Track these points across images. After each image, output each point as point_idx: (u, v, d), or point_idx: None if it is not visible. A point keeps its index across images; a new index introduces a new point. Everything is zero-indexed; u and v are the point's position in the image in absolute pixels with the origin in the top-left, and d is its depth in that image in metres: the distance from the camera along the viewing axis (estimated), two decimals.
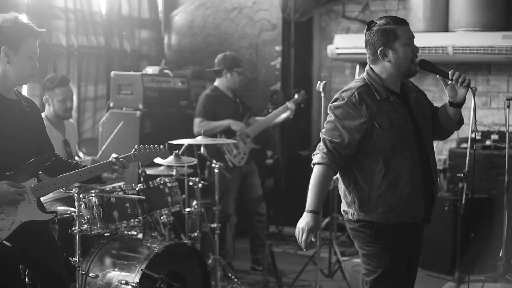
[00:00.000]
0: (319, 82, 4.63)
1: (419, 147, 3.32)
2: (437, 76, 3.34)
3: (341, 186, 3.45)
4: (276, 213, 7.22)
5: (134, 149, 3.73)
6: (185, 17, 8.16)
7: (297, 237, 3.27)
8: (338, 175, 3.39)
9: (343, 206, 3.47)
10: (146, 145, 3.77)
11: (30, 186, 3.38)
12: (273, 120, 6.21)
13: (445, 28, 6.62)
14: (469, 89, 3.29)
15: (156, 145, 3.81)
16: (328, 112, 3.34)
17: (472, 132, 5.64)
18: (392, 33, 3.24)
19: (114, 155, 3.64)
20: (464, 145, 6.19)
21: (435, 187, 3.41)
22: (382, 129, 3.24)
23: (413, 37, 3.30)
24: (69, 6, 6.84)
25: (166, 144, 3.89)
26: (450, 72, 3.29)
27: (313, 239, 3.22)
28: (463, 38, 6.31)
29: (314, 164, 3.28)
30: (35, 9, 6.45)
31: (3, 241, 3.26)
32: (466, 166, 5.51)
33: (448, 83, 3.31)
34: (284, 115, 6.16)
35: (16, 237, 3.33)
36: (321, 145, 3.30)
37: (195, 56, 8.05)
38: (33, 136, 3.47)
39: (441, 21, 6.64)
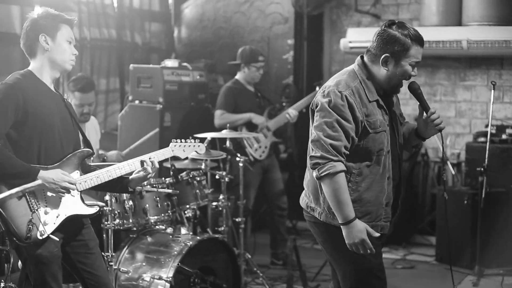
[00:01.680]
0: None
1: (393, 155, 3.23)
2: (418, 105, 3.25)
3: (312, 179, 3.22)
4: (291, 208, 7.18)
5: (171, 143, 3.70)
6: (195, 10, 8.09)
7: (359, 252, 3.08)
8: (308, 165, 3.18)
9: (308, 201, 3.28)
10: (183, 140, 3.74)
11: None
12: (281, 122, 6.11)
13: (459, 22, 6.60)
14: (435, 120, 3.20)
15: (192, 140, 3.78)
16: (322, 109, 3.10)
17: (486, 126, 5.63)
18: (405, 49, 3.06)
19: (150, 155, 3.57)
20: (481, 139, 6.19)
21: (401, 196, 3.32)
22: (371, 133, 3.12)
23: (420, 60, 3.13)
24: None
25: (191, 138, 3.81)
26: (431, 110, 3.19)
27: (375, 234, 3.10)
28: (477, 32, 6.30)
29: (330, 174, 3.01)
30: (48, 1, 6.36)
31: (50, 235, 3.21)
32: (486, 160, 5.50)
33: (424, 117, 3.22)
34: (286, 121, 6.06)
35: (60, 231, 3.29)
36: (328, 150, 3.03)
37: (206, 49, 7.98)
38: (73, 130, 3.46)
39: (454, 15, 6.62)
